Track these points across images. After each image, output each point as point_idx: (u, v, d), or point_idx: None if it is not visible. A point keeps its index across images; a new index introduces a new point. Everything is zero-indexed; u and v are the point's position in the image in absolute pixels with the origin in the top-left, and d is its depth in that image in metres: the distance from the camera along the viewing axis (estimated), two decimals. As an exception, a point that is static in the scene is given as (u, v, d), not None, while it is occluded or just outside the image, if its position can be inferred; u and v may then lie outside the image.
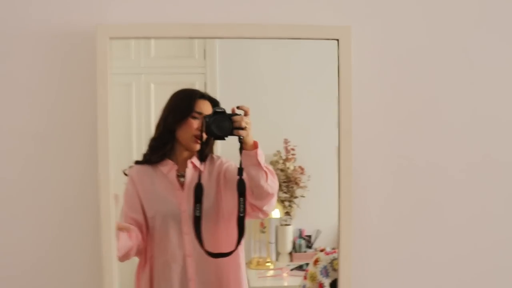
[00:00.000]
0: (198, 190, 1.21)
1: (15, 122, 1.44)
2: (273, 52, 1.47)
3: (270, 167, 1.26)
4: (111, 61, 1.34)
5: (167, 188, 1.29)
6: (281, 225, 1.54)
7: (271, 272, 1.49)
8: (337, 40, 1.29)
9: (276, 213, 1.51)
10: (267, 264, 1.52)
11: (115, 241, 1.25)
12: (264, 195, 1.22)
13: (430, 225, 1.47)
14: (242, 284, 1.32)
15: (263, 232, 1.53)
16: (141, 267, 1.33)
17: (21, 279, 1.45)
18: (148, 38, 1.41)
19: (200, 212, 1.19)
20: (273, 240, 1.53)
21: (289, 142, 1.49)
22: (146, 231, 1.30)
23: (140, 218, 1.29)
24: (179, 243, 1.25)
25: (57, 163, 1.42)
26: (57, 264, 1.41)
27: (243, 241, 1.25)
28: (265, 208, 1.25)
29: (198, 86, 1.52)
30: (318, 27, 1.30)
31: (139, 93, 1.55)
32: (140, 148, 1.50)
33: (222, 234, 1.27)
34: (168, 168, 1.30)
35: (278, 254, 1.54)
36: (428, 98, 1.46)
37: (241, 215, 1.19)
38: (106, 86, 1.29)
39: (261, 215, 1.27)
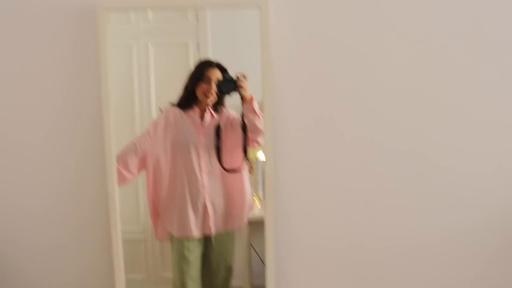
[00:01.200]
0: (218, 130, 1.75)
1: (33, 86, 1.72)
2: (253, 18, 1.67)
3: (262, 113, 1.71)
4: (109, 29, 1.62)
5: (192, 125, 1.76)
6: (267, 166, 1.79)
7: (257, 205, 1.83)
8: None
9: (262, 155, 1.77)
10: (254, 198, 1.83)
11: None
12: (258, 131, 1.72)
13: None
14: (245, 195, 1.80)
15: (251, 173, 1.78)
16: (156, 181, 1.78)
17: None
18: (140, 10, 1.72)
19: (220, 144, 1.71)
20: (260, 179, 1.80)
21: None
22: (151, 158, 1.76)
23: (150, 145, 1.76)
24: (197, 163, 1.75)
25: (67, 117, 1.73)
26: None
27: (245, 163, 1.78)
28: (259, 139, 1.73)
29: (191, 46, 1.75)
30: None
31: (139, 53, 1.76)
32: (141, 100, 1.76)
33: (231, 159, 1.77)
34: (194, 112, 1.77)
35: (265, 191, 1.80)
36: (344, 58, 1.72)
37: (245, 145, 1.73)
38: (106, 50, 1.63)
39: (256, 145, 1.75)
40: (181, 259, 1.78)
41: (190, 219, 1.76)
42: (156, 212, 1.79)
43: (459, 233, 1.80)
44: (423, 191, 1.78)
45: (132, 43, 1.76)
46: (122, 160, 1.72)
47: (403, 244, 1.80)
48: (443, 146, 1.76)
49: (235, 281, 1.85)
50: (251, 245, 1.84)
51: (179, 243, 1.78)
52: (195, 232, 1.77)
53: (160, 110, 1.77)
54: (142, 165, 1.75)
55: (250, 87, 1.71)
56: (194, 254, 1.79)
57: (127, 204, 1.76)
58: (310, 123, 1.74)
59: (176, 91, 1.74)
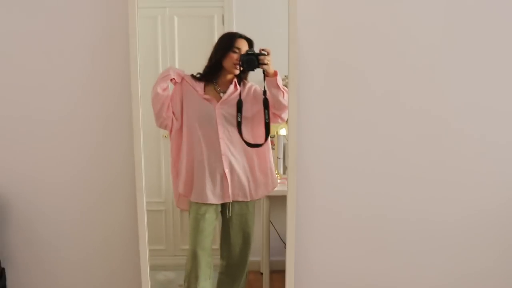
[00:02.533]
0: (239, 104, 1.72)
1: (64, 50, 1.74)
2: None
3: (286, 88, 1.69)
4: None
5: (211, 96, 1.75)
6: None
7: (278, 181, 1.80)
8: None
9: (283, 131, 1.74)
10: (276, 175, 1.79)
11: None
12: (282, 107, 1.70)
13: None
14: (268, 170, 1.79)
15: (273, 149, 1.76)
16: (178, 147, 1.79)
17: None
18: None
19: (241, 118, 1.71)
20: (281, 155, 1.78)
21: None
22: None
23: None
24: (215, 130, 1.74)
25: (95, 85, 1.75)
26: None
27: (269, 139, 1.74)
28: (283, 115, 1.72)
29: (216, 18, 1.73)
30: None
31: (164, 24, 1.75)
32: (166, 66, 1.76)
33: (252, 133, 1.75)
34: (215, 83, 1.76)
35: (285, 168, 1.78)
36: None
37: (267, 121, 1.69)
38: (135, 19, 1.62)
39: (280, 120, 1.73)
40: (195, 229, 1.78)
41: (207, 186, 1.75)
42: (177, 178, 1.80)
43: (482, 210, 1.80)
44: (449, 165, 1.77)
45: (157, 14, 1.74)
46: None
47: (427, 219, 1.81)
48: (470, 125, 1.75)
49: (253, 257, 1.85)
50: (270, 221, 1.83)
51: (196, 211, 1.77)
52: (212, 199, 1.76)
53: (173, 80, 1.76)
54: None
55: (274, 63, 1.67)
56: (209, 224, 1.78)
57: (149, 176, 1.77)
58: (335, 99, 1.73)
59: (199, 63, 1.73)
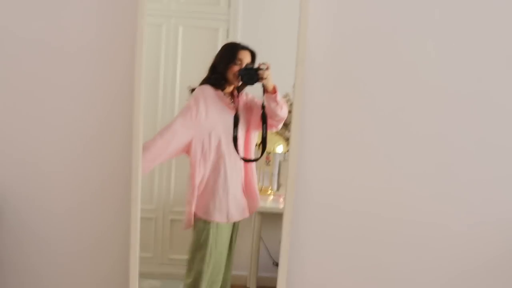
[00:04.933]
0: (236, 119, 1.70)
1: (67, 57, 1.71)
2: (287, 5, 1.68)
3: (283, 101, 1.70)
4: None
5: (227, 106, 1.73)
6: (284, 160, 1.77)
7: (271, 197, 1.80)
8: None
9: (280, 148, 1.75)
10: (269, 192, 1.80)
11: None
12: (278, 118, 1.70)
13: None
14: (255, 176, 1.78)
15: (268, 165, 1.76)
16: (197, 164, 1.72)
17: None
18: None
19: (237, 132, 1.69)
20: (275, 172, 1.78)
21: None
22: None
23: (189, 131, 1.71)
24: (234, 147, 1.71)
25: (97, 84, 1.73)
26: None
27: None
28: (278, 125, 1.72)
29: (221, 31, 1.73)
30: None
31: (169, 33, 1.75)
32: (166, 79, 1.76)
33: (247, 143, 1.74)
34: (226, 93, 1.74)
35: (279, 184, 1.78)
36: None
37: (264, 136, 1.70)
38: (144, 23, 1.59)
39: (274, 129, 1.73)
40: (213, 246, 1.74)
41: (231, 204, 1.73)
42: (198, 200, 1.74)
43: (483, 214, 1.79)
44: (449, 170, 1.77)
45: (162, 22, 1.75)
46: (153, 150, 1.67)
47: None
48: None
49: (241, 271, 1.84)
50: (260, 237, 1.82)
51: (213, 229, 1.73)
52: (236, 217, 1.75)
53: (191, 90, 1.72)
54: (185, 149, 1.70)
55: (278, 77, 1.67)
56: (226, 240, 1.77)
57: (142, 182, 1.76)
58: (338, 123, 1.73)
59: (200, 74, 1.72)
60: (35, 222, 1.76)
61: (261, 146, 1.71)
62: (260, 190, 1.78)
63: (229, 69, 1.69)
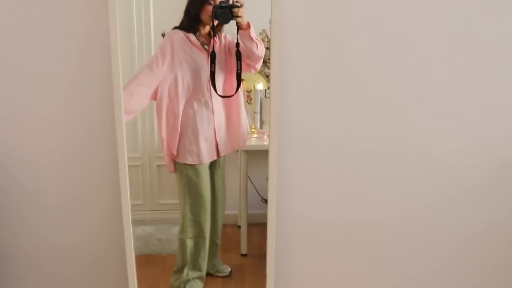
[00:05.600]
0: (213, 55, 1.69)
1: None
2: None
3: (259, 38, 1.69)
4: None
5: (200, 49, 1.73)
6: (265, 97, 1.77)
7: (255, 135, 1.82)
8: None
9: (260, 85, 1.75)
10: (252, 130, 1.81)
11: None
12: (255, 57, 1.69)
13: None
14: (242, 115, 1.79)
15: (249, 103, 1.77)
16: (163, 109, 1.75)
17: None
18: None
19: (214, 68, 1.69)
20: (258, 110, 1.79)
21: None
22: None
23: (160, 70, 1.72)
24: (208, 88, 1.73)
25: (73, 45, 1.66)
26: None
27: (240, 89, 1.73)
28: (256, 66, 1.71)
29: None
30: None
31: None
32: (140, 25, 1.72)
33: (227, 83, 1.74)
34: (199, 36, 1.73)
35: (262, 122, 1.80)
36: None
37: (239, 72, 1.69)
38: None
39: (253, 71, 1.72)
40: (192, 188, 1.80)
41: (202, 146, 1.76)
42: (169, 144, 1.77)
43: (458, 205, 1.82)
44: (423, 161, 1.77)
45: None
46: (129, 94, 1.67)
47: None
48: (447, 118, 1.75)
49: (230, 211, 1.89)
50: (247, 176, 1.86)
51: (192, 171, 1.79)
52: (207, 158, 1.78)
53: (163, 35, 1.72)
54: (153, 97, 1.72)
55: (251, 14, 1.64)
56: (205, 181, 1.81)
57: (126, 131, 1.76)
58: (318, 51, 1.68)
59: (176, 17, 1.70)
60: (23, 176, 1.75)
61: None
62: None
63: (203, 10, 1.68)
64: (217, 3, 1.64)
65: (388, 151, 1.76)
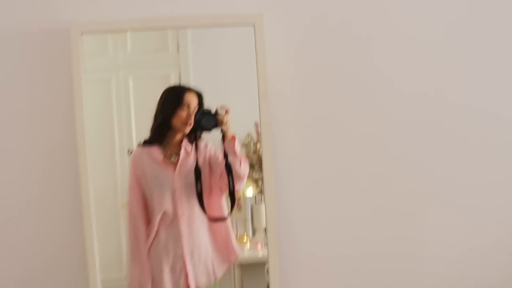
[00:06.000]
0: (197, 172, 1.50)
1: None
2: (237, 41, 1.61)
3: (243, 154, 1.54)
4: (88, 58, 1.53)
5: (163, 165, 1.54)
6: (256, 203, 1.65)
7: (247, 246, 1.65)
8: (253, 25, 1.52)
9: (250, 191, 1.63)
10: (244, 240, 1.66)
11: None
12: (238, 176, 1.50)
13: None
14: (231, 241, 1.58)
15: (239, 211, 1.64)
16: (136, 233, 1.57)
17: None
18: (117, 32, 1.61)
19: (201, 188, 1.49)
20: (249, 217, 1.66)
21: (259, 125, 1.59)
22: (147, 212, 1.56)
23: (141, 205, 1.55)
24: (174, 209, 1.51)
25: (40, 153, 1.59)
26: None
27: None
28: (237, 187, 1.52)
29: (173, 77, 1.65)
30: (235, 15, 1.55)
31: (119, 87, 1.65)
32: (121, 136, 1.64)
33: (213, 203, 1.54)
34: (166, 148, 1.56)
35: (254, 230, 1.66)
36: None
37: (232, 189, 1.50)
38: (81, 80, 1.51)
39: (236, 192, 1.53)
40: None
41: (164, 277, 1.52)
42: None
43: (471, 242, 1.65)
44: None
45: (111, 76, 1.66)
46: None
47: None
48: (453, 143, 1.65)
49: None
50: (243, 290, 1.68)
51: None
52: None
53: (129, 152, 1.60)
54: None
55: (237, 121, 1.54)
56: None
57: (108, 249, 1.62)
58: (310, 154, 1.60)
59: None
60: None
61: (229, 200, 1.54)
62: (236, 239, 1.64)
63: (175, 116, 1.52)
64: (192, 107, 1.52)
65: (395, 254, 1.63)
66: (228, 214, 1.54)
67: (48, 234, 1.59)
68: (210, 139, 1.56)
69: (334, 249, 1.61)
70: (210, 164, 1.54)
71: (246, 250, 1.65)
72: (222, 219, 1.54)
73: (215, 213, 1.53)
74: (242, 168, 1.50)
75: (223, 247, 1.58)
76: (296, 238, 1.60)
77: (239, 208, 1.65)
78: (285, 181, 1.58)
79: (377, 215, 1.62)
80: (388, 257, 1.63)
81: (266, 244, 1.53)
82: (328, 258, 1.62)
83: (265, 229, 1.56)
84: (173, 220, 1.53)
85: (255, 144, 1.58)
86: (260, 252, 1.63)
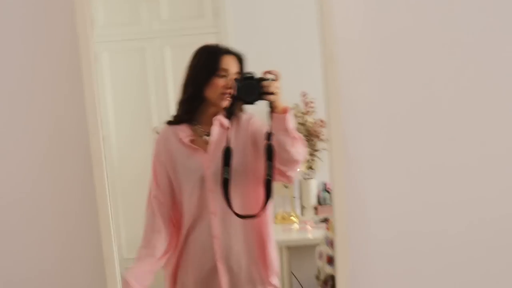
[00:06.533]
0: (227, 154, 1.18)
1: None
2: (282, 6, 1.45)
3: (300, 135, 1.22)
4: (121, 26, 1.49)
5: (193, 148, 1.26)
6: (304, 179, 1.52)
7: (295, 226, 1.50)
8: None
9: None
10: (292, 218, 1.51)
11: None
12: (290, 161, 1.18)
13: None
14: (269, 242, 1.29)
15: (286, 187, 1.51)
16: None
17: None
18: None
19: (229, 174, 1.16)
20: (296, 194, 1.53)
21: (307, 94, 1.46)
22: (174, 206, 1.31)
23: (167, 192, 1.28)
24: (205, 204, 1.23)
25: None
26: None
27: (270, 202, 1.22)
28: (289, 173, 1.21)
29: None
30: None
31: (155, 56, 1.54)
32: (159, 110, 1.51)
33: (249, 195, 1.24)
34: (197, 126, 1.29)
35: (303, 208, 1.53)
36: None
37: (269, 178, 1.16)
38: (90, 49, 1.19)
39: (285, 180, 1.26)
40: None
41: None
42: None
43: None
44: None
45: (145, 46, 1.54)
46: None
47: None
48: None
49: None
50: (292, 273, 1.56)
51: None
52: None
53: (155, 131, 1.37)
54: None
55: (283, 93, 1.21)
56: None
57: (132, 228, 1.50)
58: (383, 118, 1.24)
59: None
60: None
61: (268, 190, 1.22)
62: (282, 218, 1.51)
63: (209, 85, 1.24)
64: (232, 74, 1.23)
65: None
66: (261, 209, 1.19)
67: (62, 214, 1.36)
68: (257, 113, 1.28)
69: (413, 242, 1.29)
70: (256, 143, 1.23)
71: (294, 231, 1.52)
72: (250, 216, 1.20)
73: (248, 206, 1.22)
74: (297, 148, 1.17)
75: (261, 253, 1.29)
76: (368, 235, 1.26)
77: (287, 184, 1.51)
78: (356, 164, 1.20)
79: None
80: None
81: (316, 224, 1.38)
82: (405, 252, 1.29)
83: (316, 207, 1.42)
84: (204, 220, 1.25)
85: (303, 115, 1.44)
86: (309, 233, 1.49)
